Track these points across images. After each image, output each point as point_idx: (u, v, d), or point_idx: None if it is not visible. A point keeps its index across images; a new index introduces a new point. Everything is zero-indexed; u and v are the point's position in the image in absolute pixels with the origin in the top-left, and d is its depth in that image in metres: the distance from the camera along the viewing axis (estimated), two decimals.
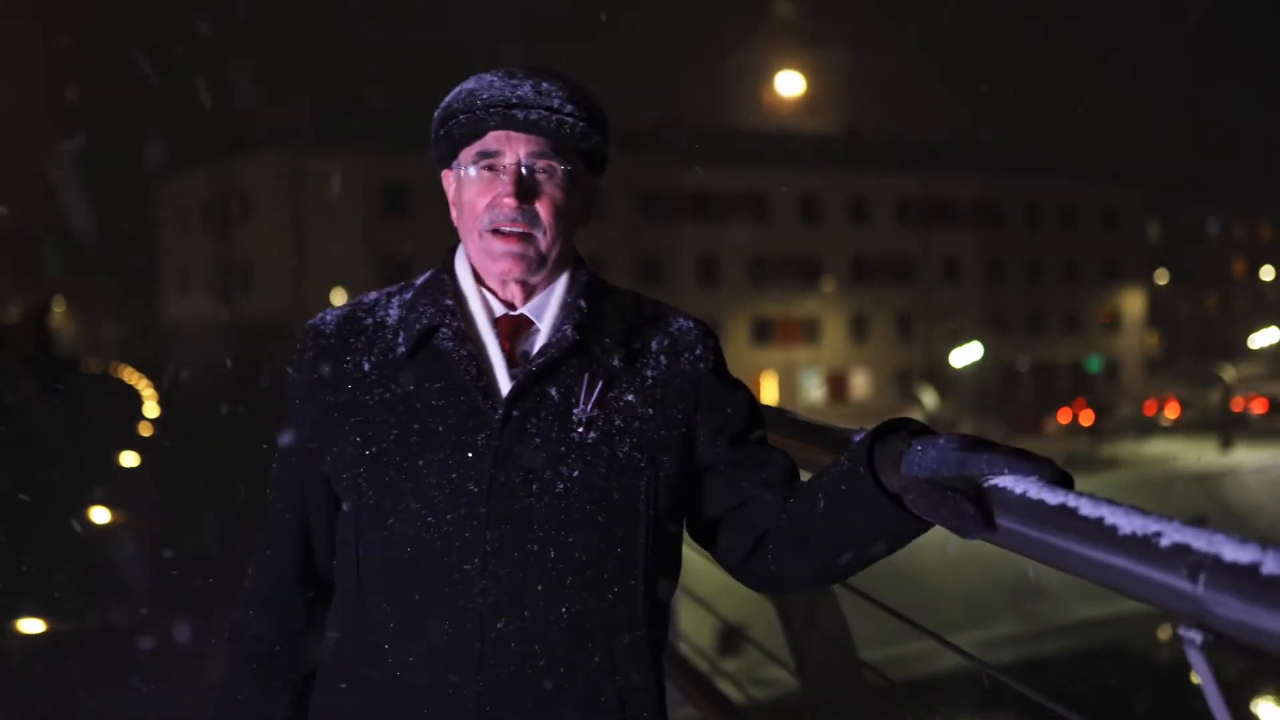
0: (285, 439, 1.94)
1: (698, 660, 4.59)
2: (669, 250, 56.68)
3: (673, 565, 1.93)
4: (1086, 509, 1.34)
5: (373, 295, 1.96)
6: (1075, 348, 68.10)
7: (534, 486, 1.77)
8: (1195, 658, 1.21)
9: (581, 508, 1.79)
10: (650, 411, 1.86)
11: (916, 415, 38.87)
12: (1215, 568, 1.12)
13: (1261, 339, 69.64)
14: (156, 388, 22.00)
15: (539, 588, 1.76)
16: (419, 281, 1.95)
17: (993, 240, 65.51)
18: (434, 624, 1.76)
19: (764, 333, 59.38)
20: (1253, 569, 1.06)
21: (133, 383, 24.64)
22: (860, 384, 62.15)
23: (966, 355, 57.30)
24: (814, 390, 60.50)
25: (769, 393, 58.31)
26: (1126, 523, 1.27)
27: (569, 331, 1.83)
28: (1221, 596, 1.11)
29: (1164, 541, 1.21)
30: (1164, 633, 31.06)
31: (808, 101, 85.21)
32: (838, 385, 61.42)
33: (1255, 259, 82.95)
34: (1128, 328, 70.39)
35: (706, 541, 1.97)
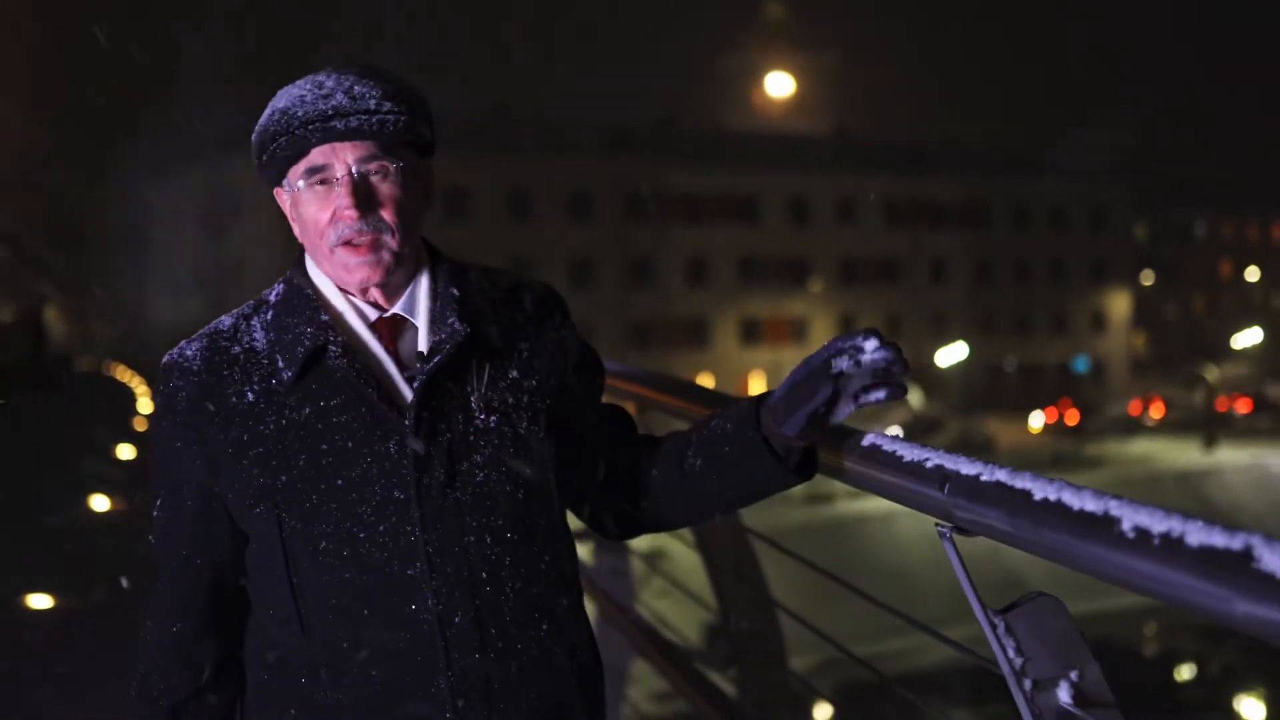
0: (171, 484, 1.88)
1: (687, 652, 4.81)
2: (658, 250, 56.94)
3: (597, 516, 2.09)
4: (885, 445, 1.74)
5: (227, 320, 1.91)
6: (1062, 348, 68.41)
7: (456, 481, 1.80)
8: (947, 547, 1.59)
9: (502, 490, 1.83)
10: (534, 383, 1.91)
11: (903, 414, 38.75)
12: (956, 479, 1.50)
13: (1244, 339, 70.02)
14: (149, 384, 22.29)
15: (483, 575, 1.80)
16: (272, 298, 1.92)
17: (980, 241, 65.81)
18: (389, 634, 1.78)
19: (752, 333, 59.67)
20: (976, 478, 1.46)
21: (125, 380, 24.93)
22: None
23: (951, 355, 57.66)
24: None
25: (757, 392, 58.40)
26: (907, 452, 1.65)
27: (455, 323, 1.85)
28: (958, 499, 1.49)
29: (928, 464, 1.58)
30: (1149, 629, 31.35)
31: (797, 102, 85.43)
32: None
33: (1242, 260, 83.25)
34: (1114, 328, 70.69)
35: (573, 498, 2.06)
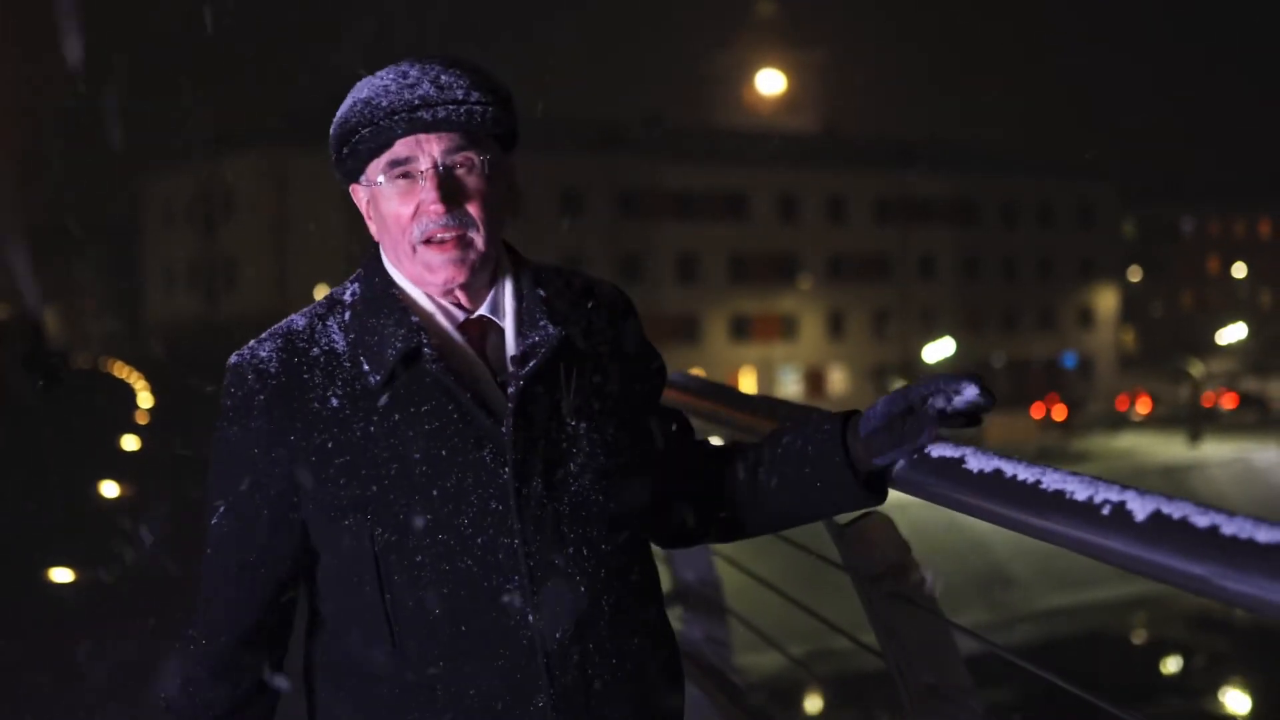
0: (238, 493, 1.77)
1: (690, 639, 4.90)
2: (648, 247, 57.10)
3: (665, 524, 2.00)
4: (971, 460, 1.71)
5: (300, 320, 1.81)
6: (1050, 344, 68.58)
7: (554, 490, 1.74)
8: None
9: (595, 499, 1.77)
10: (615, 387, 1.84)
11: None
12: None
13: (1229, 335, 70.37)
14: (148, 380, 22.68)
15: (582, 589, 1.74)
16: (348, 298, 1.82)
17: (969, 238, 66.00)
18: (489, 652, 1.71)
19: (742, 329, 59.82)
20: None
21: (123, 377, 25.25)
22: (837, 380, 62.64)
23: (939, 351, 57.96)
24: (791, 386, 60.94)
25: (747, 388, 58.54)
26: (1022, 473, 1.62)
27: (549, 328, 1.77)
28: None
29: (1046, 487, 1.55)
30: (1137, 618, 31.50)
31: (787, 100, 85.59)
32: (815, 381, 61.90)
33: (1229, 256, 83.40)
34: (1102, 324, 70.90)
35: None
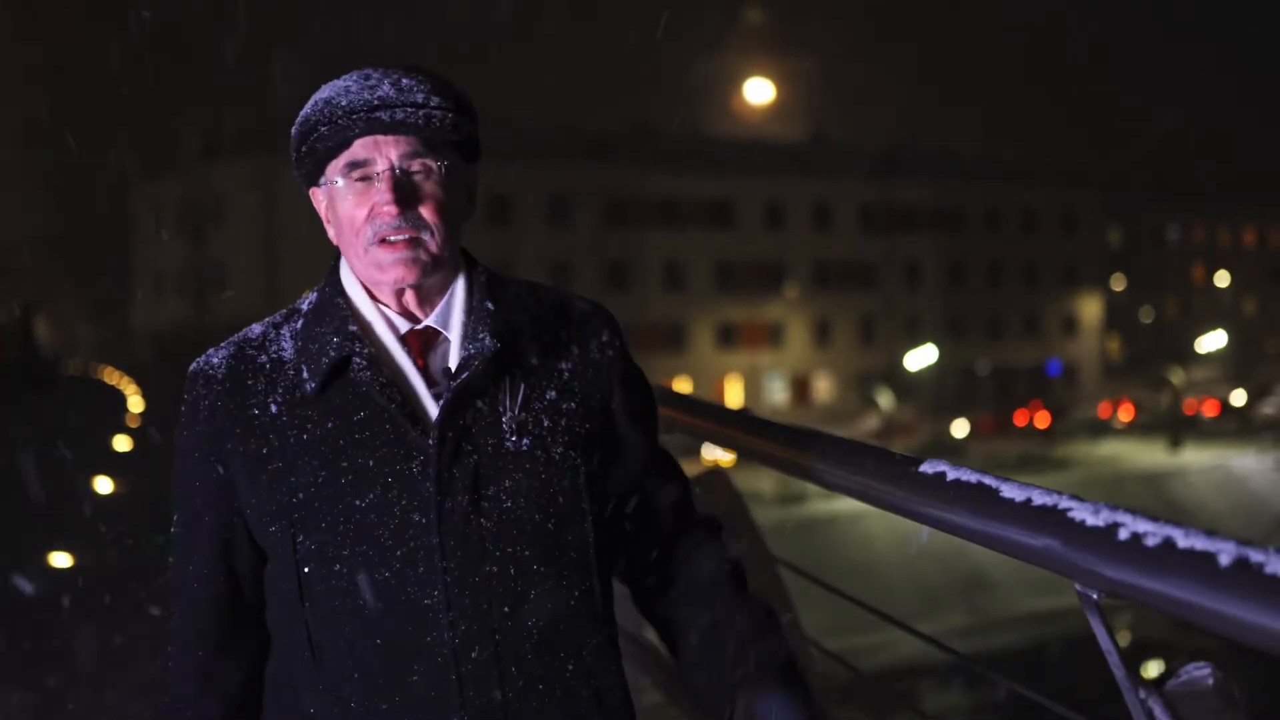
0: (189, 500, 1.78)
1: (661, 648, 5.00)
2: (635, 255, 57.44)
3: (613, 557, 1.90)
4: (971, 479, 1.79)
5: (257, 329, 1.82)
6: (1035, 351, 68.97)
7: (482, 505, 1.69)
8: (1092, 617, 1.49)
9: (530, 518, 1.72)
10: (573, 406, 1.79)
11: (874, 417, 38.87)
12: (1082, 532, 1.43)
13: (1209, 342, 70.83)
14: (139, 385, 23.04)
15: (505, 609, 1.69)
16: (304, 307, 1.83)
17: (954, 245, 66.35)
18: (403, 667, 1.68)
19: (729, 337, 60.13)
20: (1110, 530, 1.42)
21: (114, 383, 25.58)
22: (823, 387, 62.94)
23: (920, 358, 58.30)
24: (778, 393, 61.28)
25: (734, 396, 59.07)
26: (1009, 490, 1.63)
27: (486, 340, 1.74)
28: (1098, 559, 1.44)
29: (1036, 504, 1.58)
30: (1119, 621, 31.73)
31: (774, 108, 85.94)
32: (801, 388, 62.22)
33: (1214, 264, 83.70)
34: (1085, 331, 71.30)
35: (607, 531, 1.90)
